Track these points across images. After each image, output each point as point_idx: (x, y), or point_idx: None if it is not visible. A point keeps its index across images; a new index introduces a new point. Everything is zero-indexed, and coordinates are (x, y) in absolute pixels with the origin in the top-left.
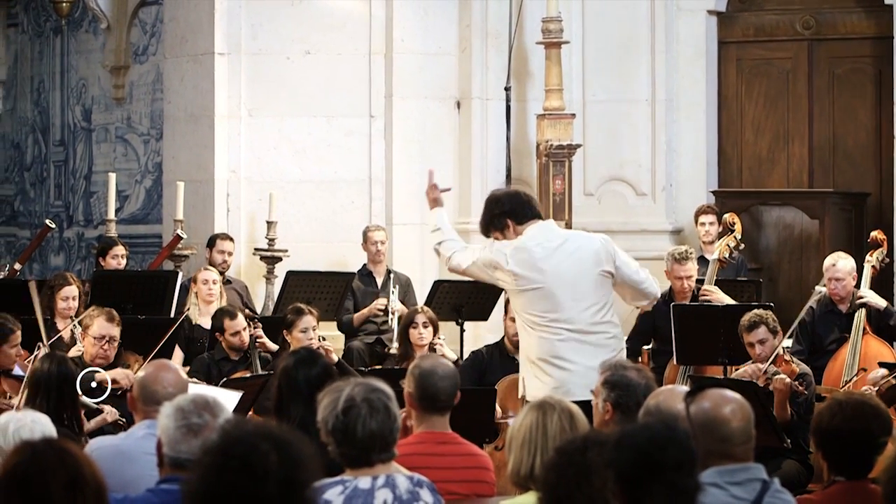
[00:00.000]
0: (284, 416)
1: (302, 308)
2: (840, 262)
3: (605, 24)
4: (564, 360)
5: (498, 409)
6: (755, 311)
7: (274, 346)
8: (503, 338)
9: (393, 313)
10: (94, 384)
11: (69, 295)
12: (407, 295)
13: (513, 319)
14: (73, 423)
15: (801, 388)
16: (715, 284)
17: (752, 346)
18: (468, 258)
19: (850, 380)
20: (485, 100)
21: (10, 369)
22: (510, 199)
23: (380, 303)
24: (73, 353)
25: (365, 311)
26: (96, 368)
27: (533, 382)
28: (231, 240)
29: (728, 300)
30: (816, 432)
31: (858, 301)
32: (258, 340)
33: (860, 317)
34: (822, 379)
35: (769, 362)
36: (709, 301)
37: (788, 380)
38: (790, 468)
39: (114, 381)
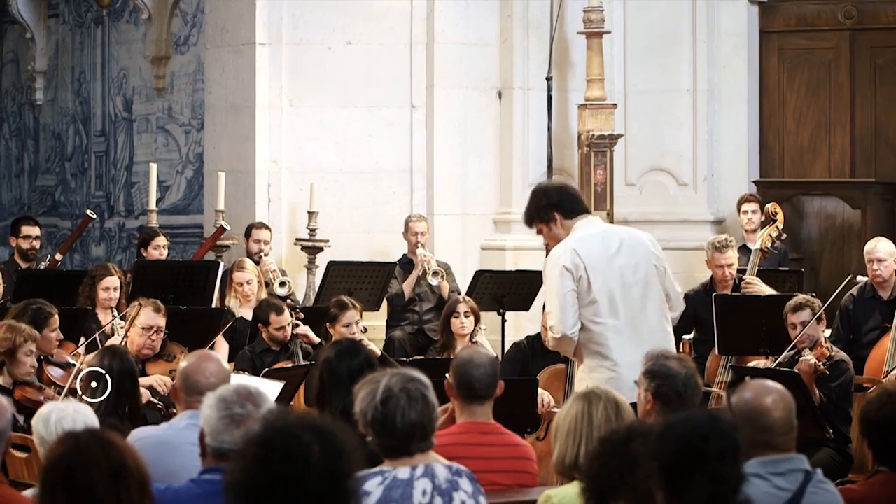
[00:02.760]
0: (326, 407)
1: (346, 302)
2: (881, 244)
3: (646, 13)
4: (613, 360)
5: (547, 396)
6: (804, 295)
7: (316, 339)
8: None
9: (427, 264)
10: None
11: (110, 285)
12: (447, 280)
13: None
14: (131, 417)
15: (823, 368)
16: (757, 275)
17: (795, 326)
18: (550, 308)
19: (892, 370)
20: (526, 90)
21: (51, 354)
22: (559, 192)
23: (420, 254)
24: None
25: (411, 276)
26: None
27: (584, 381)
28: (268, 229)
29: (770, 291)
30: (863, 421)
31: None
32: (300, 332)
33: None
34: (864, 369)
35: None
36: (751, 292)
37: (813, 360)
38: (827, 457)
39: (150, 388)
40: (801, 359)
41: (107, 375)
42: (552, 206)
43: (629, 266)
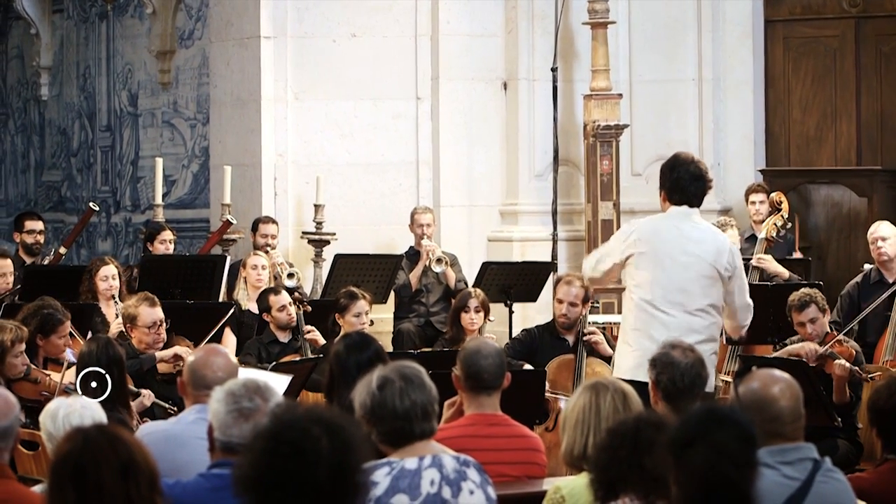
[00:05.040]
0: (335, 400)
1: (356, 293)
2: (883, 225)
3: (651, 3)
4: (650, 336)
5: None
6: (803, 290)
7: (323, 341)
8: (553, 319)
9: (431, 253)
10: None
11: (108, 274)
12: (454, 270)
13: (560, 301)
14: (121, 405)
15: (862, 374)
16: None
17: (804, 325)
18: (597, 253)
19: (888, 360)
20: (531, 81)
21: (57, 358)
22: (677, 177)
23: (425, 244)
24: (113, 329)
25: (418, 267)
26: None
27: (621, 353)
28: (274, 223)
29: (781, 269)
30: (872, 410)
31: None
32: (309, 337)
33: None
34: (874, 357)
35: (826, 346)
36: (763, 269)
37: (849, 365)
38: (839, 447)
39: (162, 361)
40: (837, 363)
41: (106, 375)
42: (664, 183)
43: (691, 258)
